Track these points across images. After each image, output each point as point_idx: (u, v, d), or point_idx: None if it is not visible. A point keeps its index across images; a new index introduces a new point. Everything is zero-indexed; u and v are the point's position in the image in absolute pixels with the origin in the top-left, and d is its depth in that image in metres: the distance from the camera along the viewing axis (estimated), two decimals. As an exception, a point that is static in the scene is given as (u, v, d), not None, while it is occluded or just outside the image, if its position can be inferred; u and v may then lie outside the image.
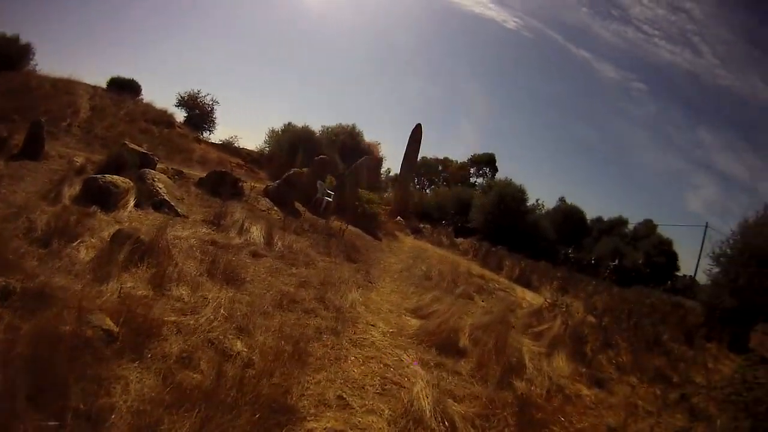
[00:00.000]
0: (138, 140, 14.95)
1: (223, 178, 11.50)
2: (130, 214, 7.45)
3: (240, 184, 11.88)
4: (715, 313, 15.28)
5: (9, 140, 10.05)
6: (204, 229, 7.84)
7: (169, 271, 5.02)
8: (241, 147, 28.47)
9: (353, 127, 30.93)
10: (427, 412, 3.77)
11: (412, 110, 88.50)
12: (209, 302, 4.59)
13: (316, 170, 15.60)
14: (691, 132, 76.05)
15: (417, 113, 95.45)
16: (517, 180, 33.15)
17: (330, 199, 14.70)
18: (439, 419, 3.75)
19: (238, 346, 3.98)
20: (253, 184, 12.92)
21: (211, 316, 4.29)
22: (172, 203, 8.52)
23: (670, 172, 76.52)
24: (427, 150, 58.75)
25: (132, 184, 8.23)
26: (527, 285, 14.04)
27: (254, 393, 3.15)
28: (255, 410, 2.99)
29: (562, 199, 36.92)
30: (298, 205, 13.14)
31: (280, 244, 8.42)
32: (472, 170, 49.14)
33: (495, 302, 9.58)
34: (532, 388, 5.02)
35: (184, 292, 4.71)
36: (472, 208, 31.09)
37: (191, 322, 4.05)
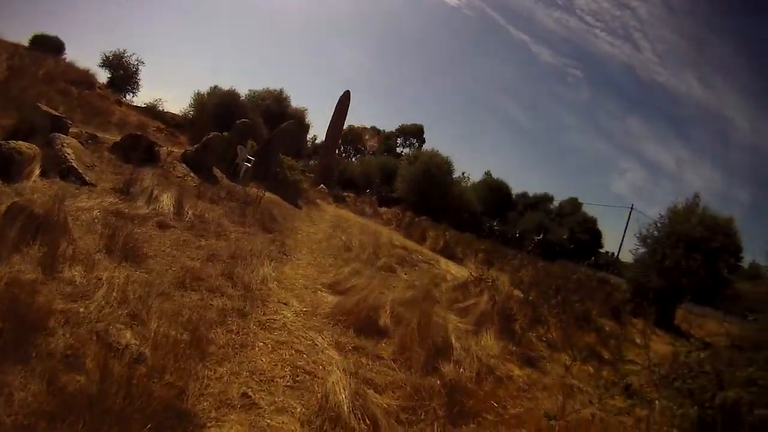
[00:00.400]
0: (55, 102, 14.84)
1: (138, 143, 11.26)
2: (34, 185, 7.25)
3: (156, 148, 11.86)
4: (642, 290, 16.91)
5: None
6: (111, 199, 7.71)
7: (64, 249, 4.96)
8: (165, 111, 28.74)
9: (280, 92, 32.53)
10: (345, 407, 3.57)
11: (344, 80, 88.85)
12: (103, 284, 4.44)
13: (236, 135, 15.78)
14: (621, 120, 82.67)
15: (348, 83, 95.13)
16: (444, 152, 35.24)
17: (249, 165, 14.86)
18: (359, 416, 3.58)
19: (128, 337, 3.73)
20: (171, 149, 12.96)
21: (103, 302, 4.11)
22: (80, 171, 8.41)
23: (599, 155, 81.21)
24: (356, 120, 59.22)
25: (39, 150, 8.15)
26: (452, 257, 14.58)
27: (144, 396, 2.93)
28: (145, 419, 2.80)
29: (487, 173, 38.19)
30: (216, 171, 13.19)
31: (191, 213, 8.36)
32: (399, 140, 48.94)
33: (418, 275, 9.82)
34: (461, 371, 4.95)
35: (76, 273, 4.60)
36: (397, 178, 33.08)
37: (81, 309, 3.91)
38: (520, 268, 15.28)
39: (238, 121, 16.34)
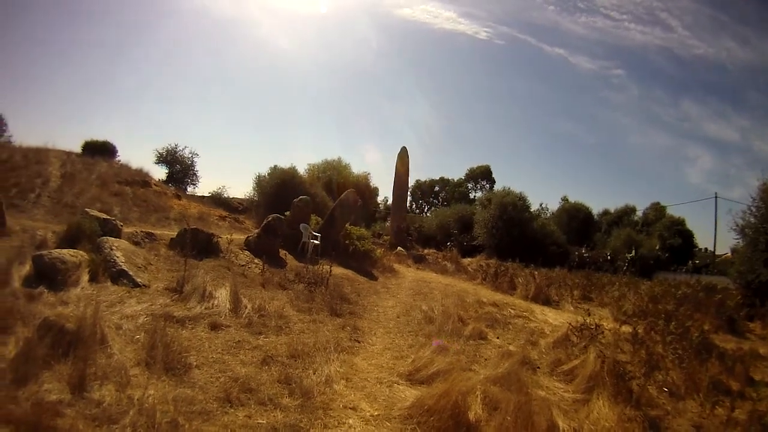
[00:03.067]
0: (109, 204, 16.36)
1: (197, 236, 11.70)
2: (81, 292, 7.55)
3: (215, 239, 12.36)
4: (752, 288, 15.61)
5: None
6: (162, 300, 7.89)
7: (100, 364, 4.97)
8: (230, 197, 30.85)
9: (339, 161, 33.79)
10: None
11: (400, 136, 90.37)
12: (134, 404, 4.28)
13: (297, 213, 16.29)
14: (675, 107, 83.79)
15: (405, 138, 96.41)
16: (517, 187, 36.62)
17: (317, 242, 15.06)
18: None
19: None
20: (233, 236, 13.30)
21: (129, 428, 3.94)
22: (131, 273, 8.88)
23: (665, 150, 79.75)
24: (422, 173, 59.85)
25: (85, 256, 8.75)
26: (546, 302, 13.89)
27: None
28: None
29: (564, 199, 37.35)
30: (283, 254, 13.63)
31: (249, 306, 8.16)
32: (469, 185, 48.63)
33: (513, 336, 9.37)
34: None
35: (107, 392, 4.49)
36: (475, 225, 33.26)
37: None
38: (621, 297, 14.44)
39: (295, 200, 16.95)
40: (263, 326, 7.58)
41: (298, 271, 12.00)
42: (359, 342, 7.90)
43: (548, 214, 38.01)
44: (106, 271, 8.79)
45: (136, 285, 8.56)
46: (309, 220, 16.39)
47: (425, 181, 57.62)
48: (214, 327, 7.17)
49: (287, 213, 16.10)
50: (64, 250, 8.53)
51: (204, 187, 33.57)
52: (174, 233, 12.90)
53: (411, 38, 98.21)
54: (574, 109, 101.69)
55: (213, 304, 8.01)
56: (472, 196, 53.78)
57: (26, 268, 8.16)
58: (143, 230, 12.96)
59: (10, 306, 6.16)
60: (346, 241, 16.43)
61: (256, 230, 14.35)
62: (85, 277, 8.20)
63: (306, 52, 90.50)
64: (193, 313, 7.52)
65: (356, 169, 33.94)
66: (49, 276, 7.82)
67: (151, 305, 7.51)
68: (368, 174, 34.44)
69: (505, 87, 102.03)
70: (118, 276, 8.72)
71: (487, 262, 22.98)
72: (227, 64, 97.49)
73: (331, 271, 11.92)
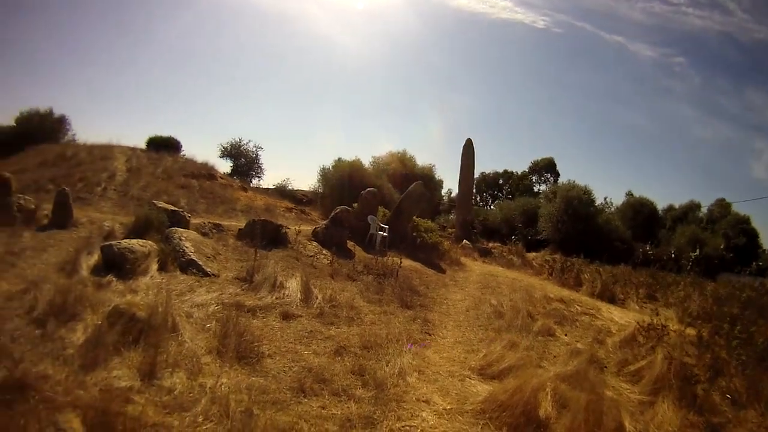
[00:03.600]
0: (176, 196, 16.75)
1: (265, 227, 12.00)
2: (150, 281, 7.71)
3: (283, 230, 12.56)
4: None
5: (37, 211, 11.48)
6: (232, 290, 7.99)
7: (171, 351, 4.96)
8: (295, 189, 31.44)
9: (404, 153, 33.72)
10: None
11: (463, 128, 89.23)
12: (206, 392, 4.31)
13: (365, 205, 16.34)
14: (739, 97, 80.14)
15: (468, 130, 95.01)
16: (581, 180, 36.84)
17: (385, 234, 15.22)
18: None
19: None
20: (300, 227, 13.77)
21: (201, 416, 3.91)
22: (200, 262, 9.02)
23: (729, 142, 75.71)
24: (486, 165, 58.98)
25: (154, 246, 8.91)
26: (612, 300, 13.74)
27: None
28: None
29: (629, 194, 40.73)
30: (351, 245, 13.66)
31: (320, 297, 8.23)
32: (533, 178, 47.76)
33: (580, 333, 9.24)
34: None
35: (178, 380, 4.48)
36: (539, 218, 33.02)
37: (175, 422, 3.78)
38: (686, 298, 14.04)
39: (363, 192, 17.07)
40: (335, 317, 7.59)
41: (367, 262, 12.02)
42: (430, 335, 7.84)
43: (612, 209, 36.74)
44: (175, 261, 8.95)
45: (205, 274, 8.69)
46: (376, 212, 16.53)
47: (489, 174, 56.87)
48: (286, 317, 7.17)
49: (354, 205, 16.22)
50: (133, 240, 8.71)
51: (268, 179, 34.70)
52: (241, 224, 13.12)
53: (468, 29, 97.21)
54: (636, 99, 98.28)
55: (284, 294, 8.03)
56: (536, 189, 53.25)
57: (94, 257, 8.38)
58: (211, 221, 13.24)
59: (79, 293, 6.26)
60: (414, 233, 16.47)
61: (324, 222, 14.56)
62: (154, 267, 8.33)
63: (363, 45, 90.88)
64: (264, 302, 7.56)
65: (420, 161, 33.70)
66: (118, 265, 7.98)
67: (221, 294, 7.59)
68: (432, 166, 34.10)
69: (565, 76, 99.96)
70: (187, 266, 8.86)
71: (552, 257, 22.94)
72: (287, 60, 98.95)
73: (401, 263, 11.93)
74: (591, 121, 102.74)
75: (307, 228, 14.38)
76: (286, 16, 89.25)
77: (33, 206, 11.48)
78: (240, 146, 34.12)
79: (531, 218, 34.57)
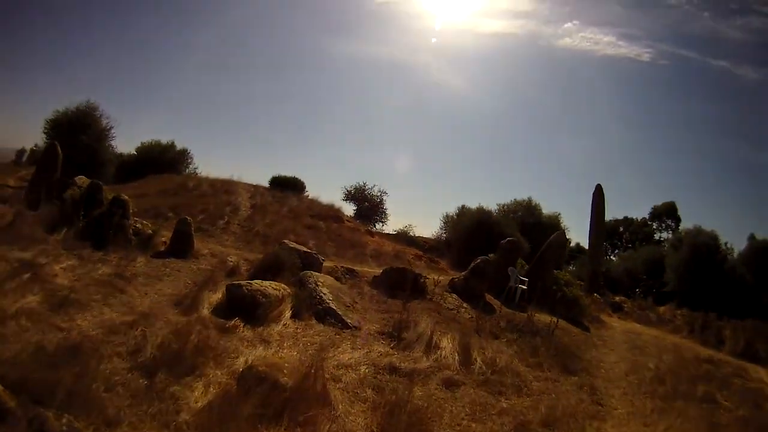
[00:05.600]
0: (303, 237, 16.08)
1: (403, 275, 11.22)
2: (283, 329, 6.90)
3: (422, 280, 11.68)
4: None
5: (155, 237, 10.95)
6: (380, 347, 7.22)
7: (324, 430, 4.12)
8: (416, 236, 30.67)
9: (529, 201, 32.60)
10: None
11: (578, 172, 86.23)
12: None
13: (504, 255, 15.33)
14: None
15: (585, 175, 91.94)
16: (704, 225, 32.37)
17: (524, 287, 14.26)
18: None
19: None
20: (435, 277, 12.83)
21: None
22: (339, 312, 8.26)
23: None
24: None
25: (288, 290, 8.10)
26: (755, 359, 13.12)
27: None
28: None
29: (752, 237, 35.42)
30: (489, 298, 12.73)
31: (479, 360, 7.42)
32: (654, 225, 45.28)
33: (737, 399, 8.68)
34: None
35: None
36: (666, 269, 30.74)
37: None
38: None
39: (503, 241, 16.09)
40: (500, 384, 6.88)
41: (509, 317, 11.28)
42: (601, 405, 7.34)
43: (735, 255, 33.35)
44: (311, 309, 8.15)
45: (345, 326, 7.97)
46: (515, 263, 15.56)
47: (608, 221, 53.89)
48: (449, 384, 6.41)
49: (490, 255, 15.12)
50: (266, 282, 7.89)
51: (388, 226, 33.72)
52: (374, 271, 12.74)
53: (575, 68, 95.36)
54: (748, 128, 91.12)
55: (441, 356, 7.24)
56: (657, 236, 50.08)
57: (217, 295, 7.65)
58: (343, 266, 12.49)
59: (200, 338, 5.36)
60: (553, 287, 15.23)
61: (462, 272, 13.71)
62: (288, 313, 7.46)
63: (478, 91, 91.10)
64: (421, 365, 6.79)
65: (545, 209, 32.42)
66: (246, 309, 7.07)
67: (369, 353, 6.83)
68: (558, 214, 32.64)
69: (678, 111, 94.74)
70: (325, 315, 8.12)
71: (680, 311, 21.83)
72: (403, 108, 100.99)
73: (557, 323, 11.17)
74: (705, 155, 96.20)
75: (441, 278, 13.41)
76: (401, 66, 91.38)
77: (150, 231, 11.10)
78: (364, 190, 34.18)
79: (655, 269, 32.48)
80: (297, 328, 7.23)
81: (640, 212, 55.86)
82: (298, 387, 4.41)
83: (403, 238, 28.16)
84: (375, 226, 30.93)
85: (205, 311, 6.92)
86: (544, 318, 11.72)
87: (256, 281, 7.84)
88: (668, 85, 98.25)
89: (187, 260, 10.17)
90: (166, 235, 11.15)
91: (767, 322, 19.92)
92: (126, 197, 10.86)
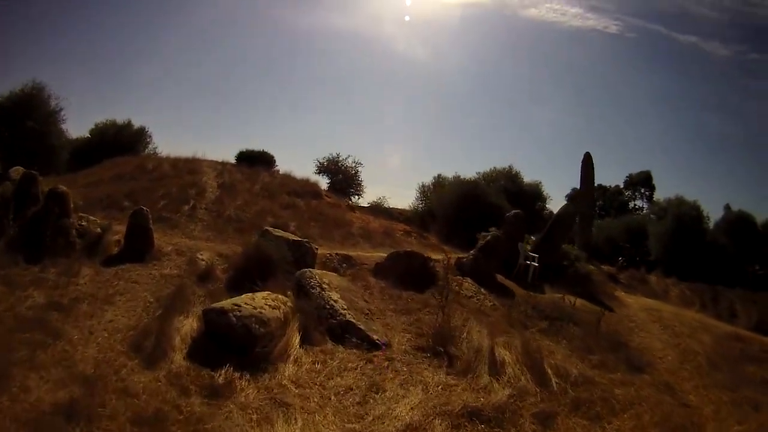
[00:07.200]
0: (282, 218, 13.74)
1: (410, 260, 9.85)
2: (298, 372, 4.81)
3: (431, 264, 10.22)
4: None
5: (105, 235, 8.66)
6: (432, 374, 5.45)
7: None
8: (391, 207, 29.18)
9: (510, 169, 31.07)
10: None
11: (546, 141, 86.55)
12: None
13: (511, 229, 13.65)
14: None
15: (552, 143, 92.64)
16: (682, 195, 32.64)
17: (536, 264, 12.86)
18: None
19: None
20: (438, 258, 10.80)
21: None
22: (361, 325, 6.25)
23: None
24: (570, 180, 56.77)
25: (289, 303, 5.91)
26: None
27: None
28: None
29: (727, 207, 34.96)
30: (501, 279, 11.51)
31: (549, 371, 6.02)
32: (627, 193, 50.84)
33: None
34: None
35: None
36: (650, 238, 30.30)
37: None
38: None
39: (509, 214, 14.49)
40: (590, 403, 5.64)
41: (530, 301, 10.17)
42: (688, 406, 6.72)
43: (710, 225, 33.34)
44: (322, 323, 6.17)
45: (373, 345, 6.03)
46: (523, 238, 13.95)
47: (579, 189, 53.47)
48: (544, 418, 5.00)
49: (491, 229, 13.56)
50: (259, 296, 5.58)
51: (363, 199, 32.07)
52: (368, 254, 11.14)
53: (541, 39, 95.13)
54: (715, 101, 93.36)
55: (511, 375, 5.71)
56: (631, 205, 50.13)
57: (191, 322, 5.48)
58: (336, 252, 10.56)
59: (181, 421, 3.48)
60: (564, 262, 14.11)
61: (471, 251, 12.02)
62: (296, 340, 5.34)
63: (442, 59, 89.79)
64: (499, 397, 5.12)
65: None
66: (236, 345, 4.85)
67: (427, 390, 5.00)
68: (539, 183, 31.26)
69: (642, 82, 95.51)
70: (342, 332, 6.14)
71: (670, 281, 21.24)
72: (367, 78, 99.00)
73: (575, 303, 10.28)
74: (673, 128, 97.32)
75: (439, 256, 11.12)
76: (362, 37, 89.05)
77: (99, 230, 8.70)
78: (338, 162, 31.91)
79: (635, 237, 31.53)
80: (314, 363, 5.25)
81: (607, 180, 55.47)
82: None
83: (379, 210, 26.50)
84: (351, 200, 29.10)
85: (178, 357, 4.70)
86: (557, 297, 10.80)
87: (246, 305, 5.27)
88: (636, 58, 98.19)
89: (147, 264, 7.93)
90: (120, 231, 8.90)
91: (756, 291, 20.59)
92: (63, 189, 8.47)
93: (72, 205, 8.66)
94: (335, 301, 6.66)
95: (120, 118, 27.67)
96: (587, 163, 25.23)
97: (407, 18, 78.98)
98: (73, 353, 4.54)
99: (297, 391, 4.43)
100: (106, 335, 5.10)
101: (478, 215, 19.67)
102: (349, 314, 6.45)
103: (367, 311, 7.08)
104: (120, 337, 5.12)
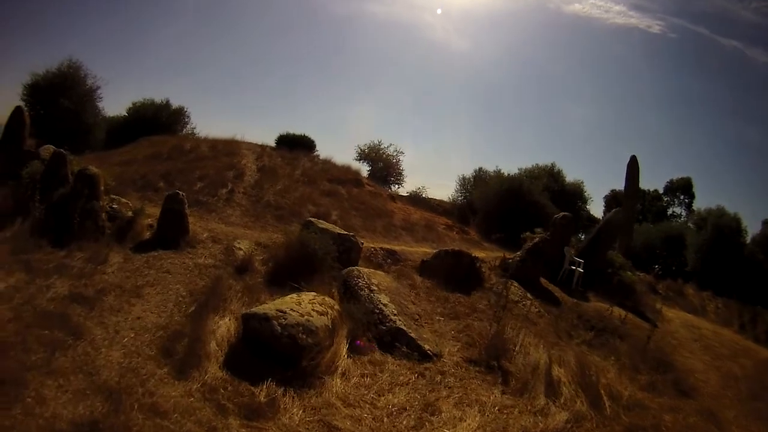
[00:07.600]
0: (324, 207, 13.29)
1: (458, 260, 9.37)
2: (347, 388, 4.35)
3: (478, 264, 9.91)
4: None
5: (137, 219, 8.28)
6: (487, 393, 5.06)
7: None
8: (429, 198, 28.58)
9: (553, 167, 30.62)
10: None
11: (584, 141, 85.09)
12: None
13: (559, 232, 12.89)
14: None
15: (587, 142, 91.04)
16: (729, 206, 32.42)
17: (581, 270, 12.41)
18: None
19: None
20: (482, 257, 10.94)
21: None
22: (411, 333, 5.83)
23: None
24: (607, 183, 55.67)
25: (336, 306, 5.48)
26: None
27: None
28: None
29: (765, 222, 32.59)
30: (545, 283, 11.18)
31: (603, 392, 5.60)
32: (666, 199, 48.47)
33: None
34: None
35: None
36: (687, 248, 28.97)
37: None
38: None
39: (558, 216, 13.49)
40: (642, 430, 5.28)
41: (575, 310, 9.85)
42: None
43: (748, 239, 31.92)
44: (369, 330, 5.77)
45: (424, 356, 5.63)
46: (569, 242, 13.54)
47: (619, 191, 52.30)
48: None
49: (537, 230, 13.12)
50: (305, 299, 5.14)
51: (404, 188, 31.61)
52: (412, 249, 10.89)
53: (583, 35, 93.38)
54: (758, 112, 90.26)
55: (567, 396, 5.36)
56: (669, 211, 48.53)
57: (227, 323, 5.01)
58: (380, 246, 10.13)
59: None
60: (608, 270, 13.49)
61: (518, 252, 11.81)
62: (344, 350, 4.93)
63: (483, 53, 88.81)
64: (556, 422, 4.76)
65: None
66: (280, 356, 4.42)
67: (483, 411, 4.57)
68: (581, 182, 30.31)
69: (683, 85, 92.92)
70: (392, 340, 5.71)
71: (705, 294, 20.54)
72: (404, 68, 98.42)
73: (625, 318, 9.88)
74: (710, 135, 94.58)
75: (482, 254, 11.57)
76: (403, 25, 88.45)
77: (130, 213, 8.47)
78: (379, 149, 31.23)
79: (674, 246, 30.28)
80: (363, 377, 4.83)
81: (642, 183, 53.98)
82: None
83: (418, 201, 25.98)
84: (391, 189, 28.52)
85: (213, 366, 4.23)
86: (601, 307, 10.42)
87: (290, 303, 4.94)
88: (678, 59, 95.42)
89: (180, 252, 7.56)
90: (153, 215, 8.59)
91: None
92: (94, 170, 8.06)
93: (103, 187, 8.34)
94: (385, 305, 6.25)
95: (158, 98, 27.00)
96: (633, 167, 24.30)
97: (439, 11, 78.92)
98: (95, 357, 4.11)
99: (347, 411, 4.00)
100: (132, 335, 4.70)
101: (519, 213, 19.54)
102: (399, 320, 6.05)
103: (416, 316, 6.70)
104: (148, 339, 4.71)
